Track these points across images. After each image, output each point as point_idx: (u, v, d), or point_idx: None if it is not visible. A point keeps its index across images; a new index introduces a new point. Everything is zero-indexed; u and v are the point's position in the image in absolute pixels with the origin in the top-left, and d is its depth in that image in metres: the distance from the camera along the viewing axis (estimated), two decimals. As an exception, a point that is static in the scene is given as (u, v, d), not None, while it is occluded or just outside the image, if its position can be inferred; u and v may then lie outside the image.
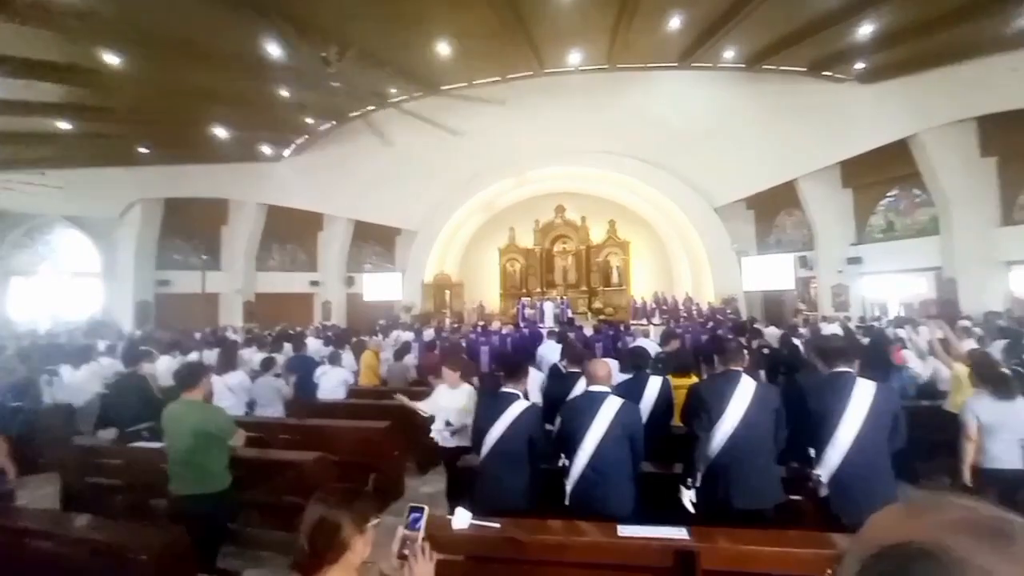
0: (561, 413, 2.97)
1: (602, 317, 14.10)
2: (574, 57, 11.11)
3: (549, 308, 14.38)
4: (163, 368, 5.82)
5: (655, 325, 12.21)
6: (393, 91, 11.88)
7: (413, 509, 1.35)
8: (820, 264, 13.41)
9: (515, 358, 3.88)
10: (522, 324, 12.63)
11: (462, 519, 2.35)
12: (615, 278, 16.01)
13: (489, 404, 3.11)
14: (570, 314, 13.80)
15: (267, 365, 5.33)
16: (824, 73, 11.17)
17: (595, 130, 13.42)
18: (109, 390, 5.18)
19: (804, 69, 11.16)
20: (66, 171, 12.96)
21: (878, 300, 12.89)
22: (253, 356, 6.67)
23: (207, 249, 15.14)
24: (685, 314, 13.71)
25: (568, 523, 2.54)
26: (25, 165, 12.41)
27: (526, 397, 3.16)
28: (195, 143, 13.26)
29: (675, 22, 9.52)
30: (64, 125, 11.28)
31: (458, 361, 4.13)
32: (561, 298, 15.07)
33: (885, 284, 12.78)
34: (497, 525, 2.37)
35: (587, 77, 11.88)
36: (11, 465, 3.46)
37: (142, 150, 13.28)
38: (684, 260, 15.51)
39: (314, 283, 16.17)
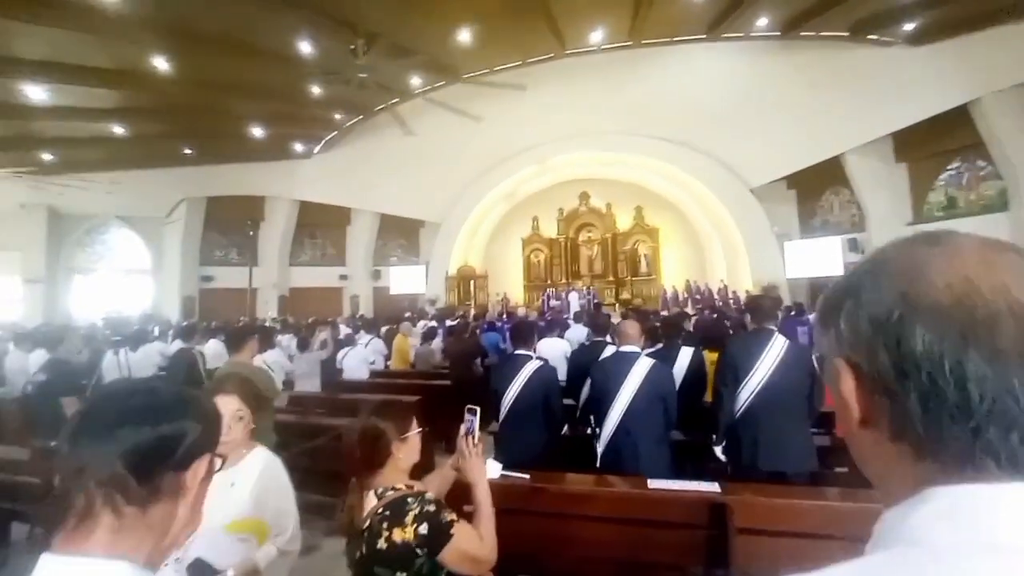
0: (592, 373, 2.99)
1: (631, 306, 13.65)
2: (595, 36, 10.80)
3: (575, 299, 14.07)
4: (211, 351, 6.12)
5: (690, 315, 11.70)
6: (416, 82, 11.96)
7: (469, 411, 1.59)
8: (872, 247, 12.21)
9: (525, 323, 4.03)
10: (547, 316, 12.43)
11: (493, 470, 2.41)
12: (644, 267, 15.45)
13: (503, 367, 3.24)
14: (596, 301, 13.45)
15: (303, 344, 5.85)
16: (869, 37, 10.28)
17: (619, 111, 12.99)
18: (165, 366, 5.68)
19: (846, 34, 10.32)
20: (117, 173, 13.89)
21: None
22: (290, 343, 7.14)
23: (245, 245, 15.86)
24: (721, 303, 13.03)
25: (598, 477, 2.57)
26: (82, 168, 13.42)
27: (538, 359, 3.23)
28: (233, 143, 13.92)
29: (701, -10, 9.04)
30: (118, 129, 12.12)
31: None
32: (588, 288, 14.72)
33: None
34: (527, 477, 2.42)
35: (609, 56, 11.51)
36: None
37: (186, 151, 14.09)
38: (718, 246, 14.74)
39: (343, 277, 16.58)
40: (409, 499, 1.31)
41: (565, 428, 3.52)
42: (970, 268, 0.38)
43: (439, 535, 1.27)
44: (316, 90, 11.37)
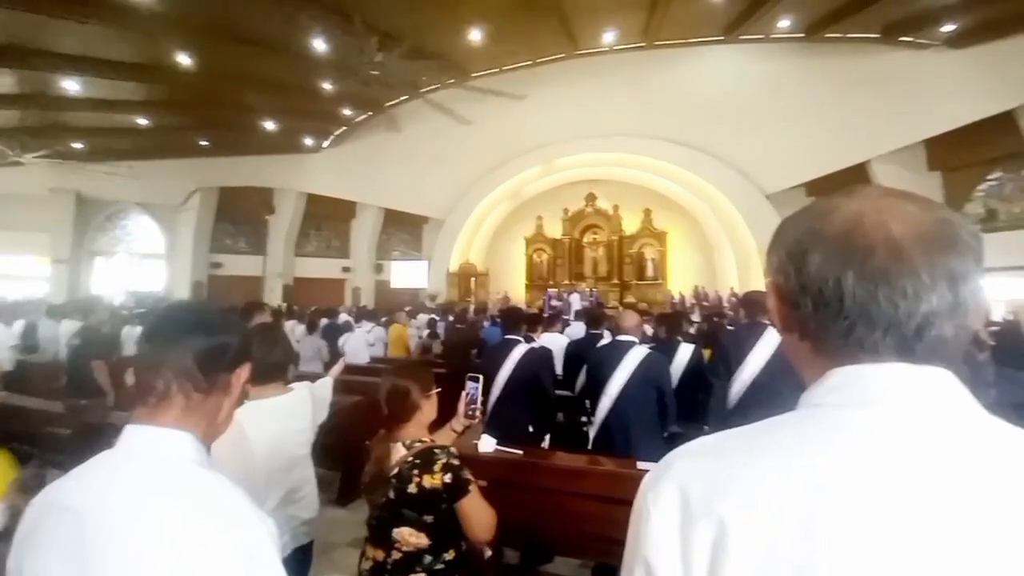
0: (587, 359, 3.07)
1: (629, 303, 13.32)
2: (608, 36, 10.38)
3: (577, 300, 13.80)
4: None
5: (695, 322, 11.33)
6: (425, 80, 11.81)
7: (471, 379, 1.83)
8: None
9: (516, 310, 4.28)
10: (548, 313, 12.28)
11: (487, 444, 2.58)
12: (650, 271, 15.00)
13: (494, 350, 3.40)
14: (599, 302, 13.19)
15: (310, 329, 6.08)
16: (902, 39, 9.45)
17: (630, 113, 12.52)
18: None
19: (877, 35, 9.51)
20: (139, 162, 14.39)
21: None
22: (295, 328, 7.28)
23: (253, 234, 16.23)
24: (730, 310, 12.54)
25: (588, 456, 2.67)
26: (107, 156, 13.97)
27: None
28: (246, 136, 14.18)
29: (719, -11, 8.45)
30: (141, 120, 12.55)
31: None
32: (590, 290, 14.42)
33: (986, 283, 10.64)
34: (520, 452, 2.57)
35: (621, 57, 11.08)
36: (110, 387, 4.14)
37: (202, 143, 14.46)
38: (730, 252, 14.14)
39: (346, 269, 16.80)
40: (436, 450, 1.47)
41: (560, 416, 3.64)
42: (864, 210, 0.47)
43: (460, 486, 1.44)
44: (327, 86, 11.42)
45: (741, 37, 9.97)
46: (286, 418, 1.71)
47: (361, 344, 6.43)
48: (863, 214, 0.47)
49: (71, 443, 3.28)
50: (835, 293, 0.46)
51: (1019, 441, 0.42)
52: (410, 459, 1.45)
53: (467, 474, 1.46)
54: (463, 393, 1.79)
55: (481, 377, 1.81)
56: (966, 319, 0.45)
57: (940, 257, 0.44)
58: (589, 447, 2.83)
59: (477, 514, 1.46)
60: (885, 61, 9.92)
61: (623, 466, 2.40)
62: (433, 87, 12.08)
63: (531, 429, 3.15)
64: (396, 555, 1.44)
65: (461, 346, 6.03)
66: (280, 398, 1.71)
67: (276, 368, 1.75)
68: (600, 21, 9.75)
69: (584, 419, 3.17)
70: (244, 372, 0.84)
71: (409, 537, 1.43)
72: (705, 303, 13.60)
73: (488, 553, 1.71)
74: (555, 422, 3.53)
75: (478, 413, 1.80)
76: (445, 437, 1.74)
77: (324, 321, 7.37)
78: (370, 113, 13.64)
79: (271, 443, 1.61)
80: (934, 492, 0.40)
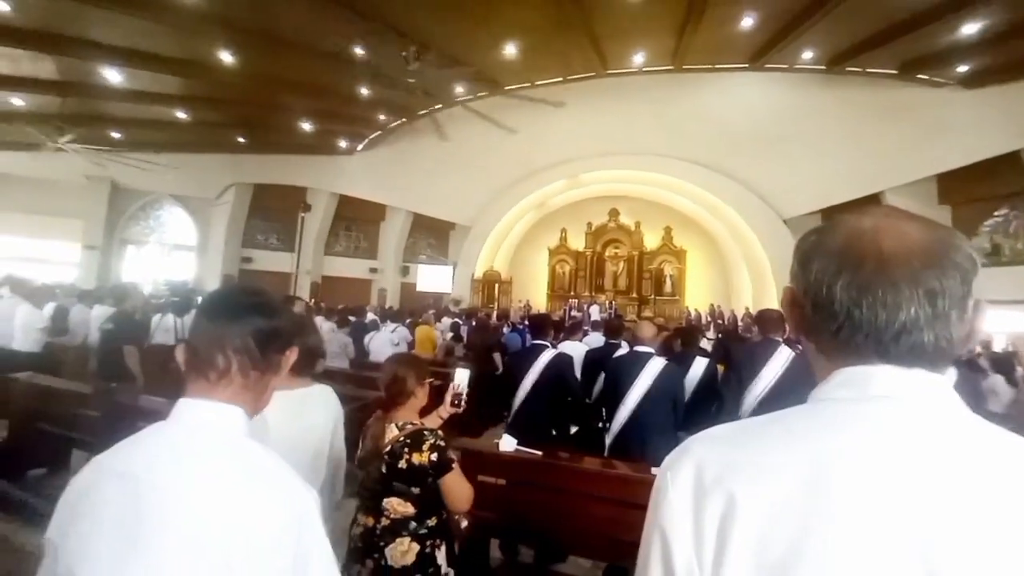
0: (606, 368, 3.13)
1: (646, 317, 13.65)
2: (638, 58, 10.99)
3: (596, 312, 14.16)
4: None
5: (708, 339, 11.65)
6: (459, 90, 12.40)
7: (461, 366, 2.01)
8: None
9: (543, 316, 4.36)
10: (567, 323, 12.57)
11: (508, 443, 2.62)
12: (668, 287, 15.46)
13: (521, 355, 3.51)
14: (617, 315, 13.53)
15: (339, 325, 6.32)
16: (919, 76, 10.15)
17: (655, 132, 13.14)
18: None
19: (895, 71, 10.22)
20: (176, 155, 14.83)
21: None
22: (322, 324, 7.44)
23: (285, 231, 16.63)
24: (744, 330, 12.91)
25: (604, 459, 2.71)
26: (145, 147, 14.37)
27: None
28: (283, 135, 14.60)
29: (748, 21, 9.15)
30: (180, 114, 12.95)
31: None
32: (609, 302, 14.80)
33: (990, 316, 11.11)
34: (539, 453, 2.61)
35: (650, 78, 11.68)
36: (140, 372, 4.20)
37: (239, 139, 14.91)
38: (745, 273, 14.64)
39: (373, 270, 17.14)
40: (426, 432, 1.66)
41: (574, 429, 3.70)
42: (865, 227, 0.53)
43: (444, 464, 1.62)
44: (364, 91, 11.88)
45: (766, 66, 10.66)
46: (312, 410, 1.75)
47: (386, 343, 6.57)
48: (863, 231, 0.52)
49: (101, 425, 3.27)
50: (828, 298, 0.52)
51: (1005, 440, 0.47)
52: (402, 439, 1.63)
53: (451, 454, 1.66)
54: (451, 384, 1.94)
55: (469, 369, 1.97)
56: (948, 330, 0.49)
57: (923, 272, 0.49)
58: (605, 454, 2.88)
59: (457, 488, 1.65)
60: (902, 96, 10.56)
61: (638, 471, 2.42)
62: (466, 98, 12.69)
63: (554, 432, 3.23)
64: (385, 521, 1.63)
65: (483, 349, 6.20)
66: (309, 389, 1.77)
67: (310, 357, 1.81)
68: (630, 43, 10.31)
69: (600, 425, 3.22)
70: (292, 355, 0.87)
71: (398, 506, 1.62)
72: (720, 321, 14.00)
73: (464, 523, 1.87)
74: (578, 423, 3.62)
75: (463, 403, 1.92)
76: (432, 423, 1.87)
77: (351, 319, 7.63)
78: (404, 119, 14.18)
79: (296, 434, 1.63)
80: (928, 478, 0.45)
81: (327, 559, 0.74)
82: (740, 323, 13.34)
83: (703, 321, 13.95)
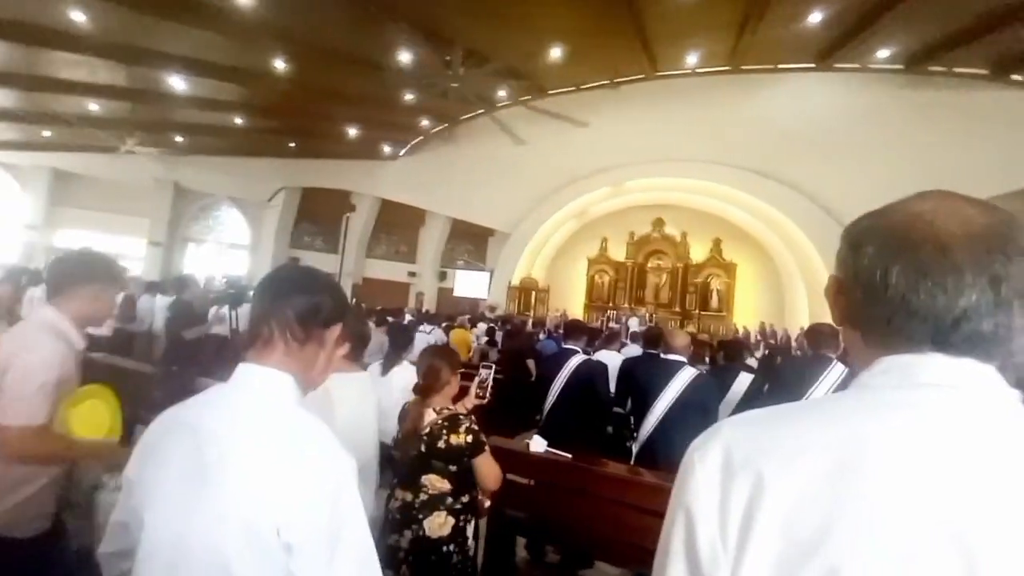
0: (634, 374, 3.13)
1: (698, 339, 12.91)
2: (691, 58, 10.43)
3: (635, 324, 13.55)
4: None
5: (756, 358, 10.83)
6: (502, 95, 12.30)
7: (484, 366, 2.21)
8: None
9: (578, 321, 4.54)
10: (604, 333, 12.09)
11: (538, 444, 2.68)
12: (715, 302, 14.58)
13: (552, 358, 3.59)
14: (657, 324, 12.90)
15: (378, 324, 6.43)
16: (1014, 77, 9.06)
17: (707, 138, 12.46)
18: None
19: (985, 72, 9.18)
20: (232, 159, 15.62)
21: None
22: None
23: (330, 234, 17.11)
24: (798, 350, 11.93)
25: (632, 467, 2.73)
26: (205, 151, 15.24)
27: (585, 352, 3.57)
28: (330, 141, 15.08)
29: (817, 16, 8.43)
30: (238, 120, 13.63)
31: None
32: (649, 315, 14.14)
33: None
34: (569, 456, 2.65)
35: (702, 80, 11.09)
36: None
37: (290, 144, 15.55)
38: (802, 290, 13.57)
39: (411, 274, 17.34)
40: (461, 416, 1.85)
41: (609, 430, 3.73)
42: (923, 209, 0.50)
43: (478, 445, 1.81)
44: (408, 97, 12.04)
45: (835, 65, 9.85)
46: (365, 394, 1.90)
47: (422, 344, 6.81)
48: (921, 213, 0.50)
49: (162, 403, 3.56)
50: (882, 284, 0.49)
51: None
52: (440, 421, 1.82)
53: (483, 437, 1.83)
54: (476, 377, 2.16)
55: (494, 366, 2.24)
56: (1009, 319, 0.46)
57: (986, 257, 0.46)
58: (632, 462, 2.86)
59: (489, 468, 1.83)
60: (991, 100, 9.47)
61: (667, 480, 2.33)
62: (508, 103, 12.55)
63: (585, 437, 3.20)
64: (423, 496, 1.79)
65: (517, 354, 6.19)
66: (362, 374, 1.92)
67: (359, 343, 1.94)
68: (684, 43, 9.74)
69: (627, 433, 3.21)
70: (336, 331, 0.93)
71: (436, 482, 1.79)
72: (772, 341, 13.02)
73: (487, 503, 2.01)
74: (605, 434, 3.66)
75: (488, 394, 2.16)
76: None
77: (389, 319, 7.80)
78: (446, 125, 14.28)
79: (351, 416, 1.75)
80: (972, 466, 0.43)
81: (361, 522, 0.80)
82: (794, 343, 12.35)
83: (753, 340, 13.04)
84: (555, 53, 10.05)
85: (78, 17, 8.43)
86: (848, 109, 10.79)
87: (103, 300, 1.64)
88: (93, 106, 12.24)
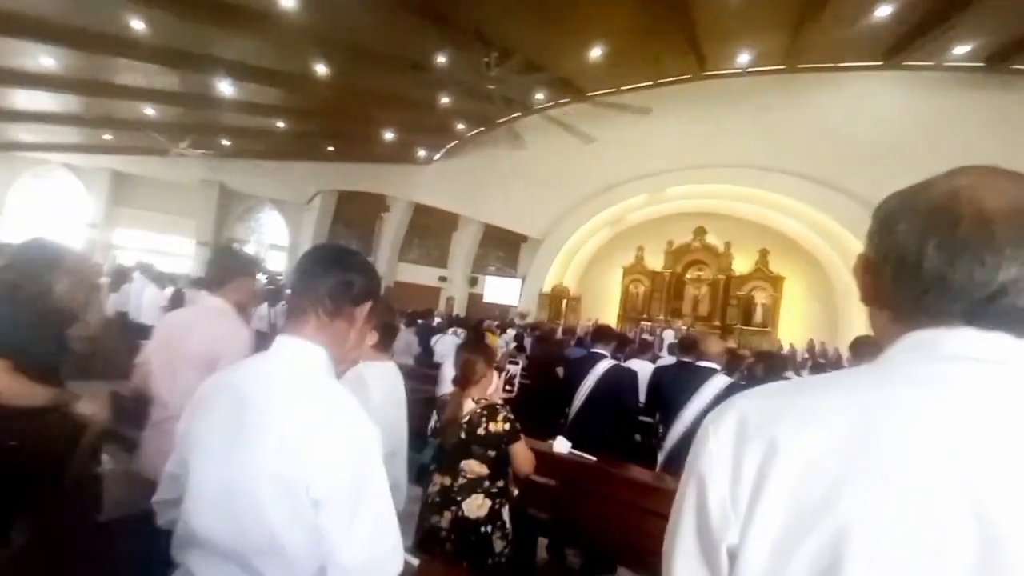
0: (663, 379, 3.06)
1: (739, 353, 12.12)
2: (743, 57, 9.86)
3: (670, 337, 12.90)
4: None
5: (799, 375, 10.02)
6: (540, 97, 12.05)
7: (511, 362, 2.60)
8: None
9: (607, 326, 4.44)
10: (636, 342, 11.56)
11: (562, 445, 2.71)
12: (759, 317, 13.69)
13: (579, 362, 3.56)
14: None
15: (408, 325, 6.59)
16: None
17: (756, 143, 11.74)
18: None
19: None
20: (273, 162, 16.08)
21: None
22: None
23: (363, 238, 17.36)
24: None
25: (657, 474, 2.68)
26: (249, 155, 15.76)
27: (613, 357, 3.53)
28: (367, 145, 15.30)
29: (885, 9, 7.74)
30: (280, 124, 14.01)
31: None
32: (686, 328, 13.42)
33: None
34: (593, 458, 2.67)
35: (752, 81, 10.48)
36: None
37: (329, 148, 15.88)
38: (857, 308, 12.37)
39: (442, 278, 17.31)
40: (498, 406, 1.98)
41: (637, 437, 3.73)
42: (961, 185, 0.48)
43: (514, 434, 1.94)
44: (444, 100, 11.98)
45: (904, 63, 9.03)
46: (397, 382, 1.96)
47: (450, 346, 6.91)
48: (959, 189, 0.48)
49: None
50: (916, 260, 0.48)
51: None
52: (479, 410, 1.95)
53: (518, 426, 1.96)
54: (504, 373, 2.27)
55: (520, 362, 2.38)
56: None
57: None
58: (657, 469, 2.85)
59: (523, 454, 1.97)
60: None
61: None
62: (547, 104, 12.25)
63: (611, 442, 3.16)
64: (462, 480, 1.92)
65: (545, 360, 6.08)
66: (391, 364, 1.99)
67: (389, 331, 2.05)
68: (736, 41, 9.20)
69: (655, 442, 3.15)
70: (365, 309, 0.98)
71: (475, 467, 1.91)
72: (822, 360, 12.05)
73: (515, 492, 2.08)
74: (632, 441, 3.65)
75: (515, 390, 2.27)
76: None
77: (419, 321, 7.94)
78: (481, 129, 14.17)
79: (384, 400, 1.83)
80: (995, 435, 0.42)
81: (382, 487, 0.86)
82: (845, 363, 11.39)
83: (800, 358, 12.13)
84: (596, 52, 9.71)
85: (137, 25, 8.80)
86: (918, 111, 9.88)
87: (254, 290, 1.92)
88: (149, 110, 12.85)
